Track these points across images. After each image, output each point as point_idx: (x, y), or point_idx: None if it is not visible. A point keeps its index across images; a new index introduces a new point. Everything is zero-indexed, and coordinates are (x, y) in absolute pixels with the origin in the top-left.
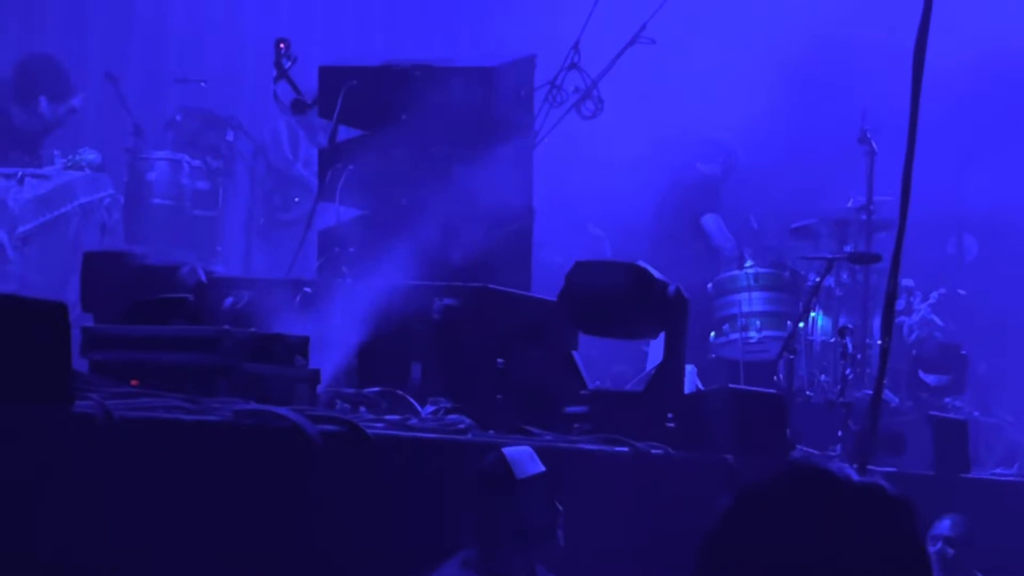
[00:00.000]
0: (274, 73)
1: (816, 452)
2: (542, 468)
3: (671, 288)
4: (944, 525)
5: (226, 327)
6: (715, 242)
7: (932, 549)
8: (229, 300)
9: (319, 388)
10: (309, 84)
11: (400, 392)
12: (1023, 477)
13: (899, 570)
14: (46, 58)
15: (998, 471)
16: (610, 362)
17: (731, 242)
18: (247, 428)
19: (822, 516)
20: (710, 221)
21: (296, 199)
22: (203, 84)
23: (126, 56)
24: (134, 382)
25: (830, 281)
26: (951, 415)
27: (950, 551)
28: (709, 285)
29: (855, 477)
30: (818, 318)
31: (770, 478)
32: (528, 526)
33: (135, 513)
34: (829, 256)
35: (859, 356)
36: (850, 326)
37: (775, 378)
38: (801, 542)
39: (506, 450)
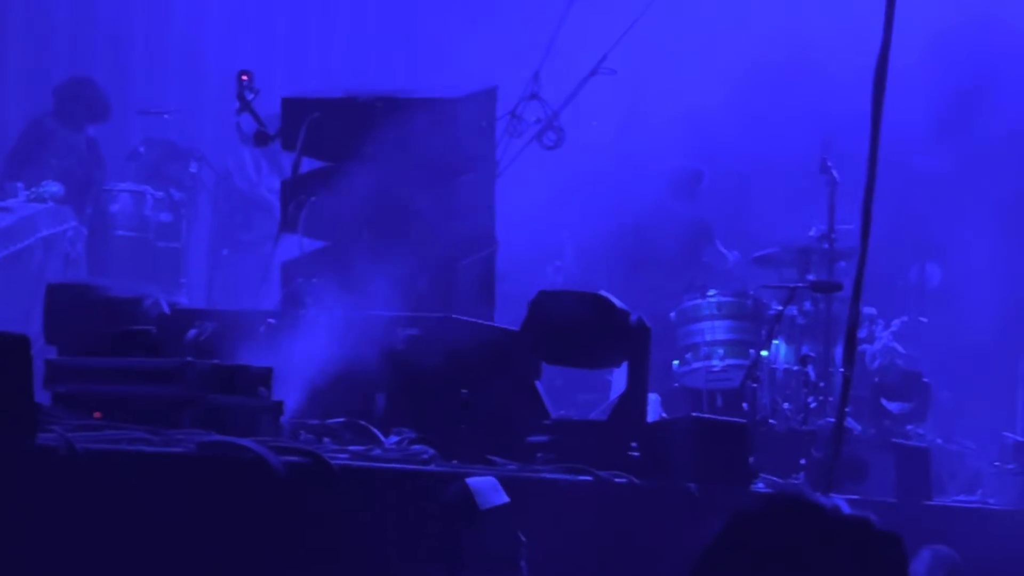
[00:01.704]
0: (237, 105)
1: (779, 480)
2: (506, 499)
3: (633, 317)
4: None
5: (189, 359)
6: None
7: None
8: (192, 332)
9: (283, 419)
10: (272, 114)
11: (363, 423)
12: (985, 504)
13: None
14: None
15: (960, 498)
16: (574, 391)
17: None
18: (210, 460)
19: (811, 548)
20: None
21: (257, 221)
22: (166, 116)
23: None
24: (97, 414)
25: (792, 310)
26: (913, 442)
27: None
28: (672, 314)
29: (845, 509)
30: (781, 346)
31: (760, 508)
32: (491, 557)
33: (98, 546)
34: (791, 285)
35: (822, 384)
36: (812, 354)
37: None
38: (790, 574)
39: (470, 480)
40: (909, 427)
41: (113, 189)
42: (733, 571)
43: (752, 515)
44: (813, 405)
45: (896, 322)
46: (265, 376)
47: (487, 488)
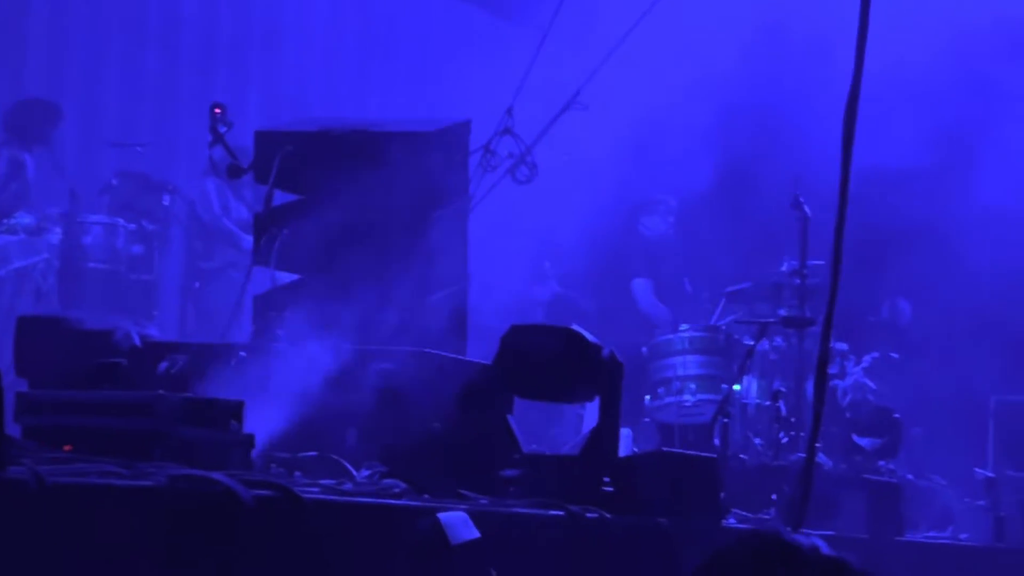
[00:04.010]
0: (210, 138)
1: (750, 515)
2: (477, 534)
3: (605, 351)
4: None
5: (160, 392)
6: (641, 308)
7: None
8: (164, 364)
9: (254, 453)
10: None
11: (335, 456)
12: (956, 540)
13: None
14: None
15: (931, 534)
16: (546, 425)
17: (659, 309)
18: (181, 493)
19: None
20: (639, 286)
21: (219, 250)
22: (139, 149)
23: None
24: (68, 447)
25: (764, 345)
26: (885, 478)
27: None
28: (644, 348)
29: (824, 550)
30: (752, 382)
31: (738, 547)
32: None
33: None
34: (763, 320)
35: (793, 420)
36: (784, 390)
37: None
38: None
39: (441, 515)
40: (880, 463)
41: (86, 221)
42: None
43: (730, 554)
44: (784, 440)
45: (867, 358)
46: (236, 409)
47: (458, 523)
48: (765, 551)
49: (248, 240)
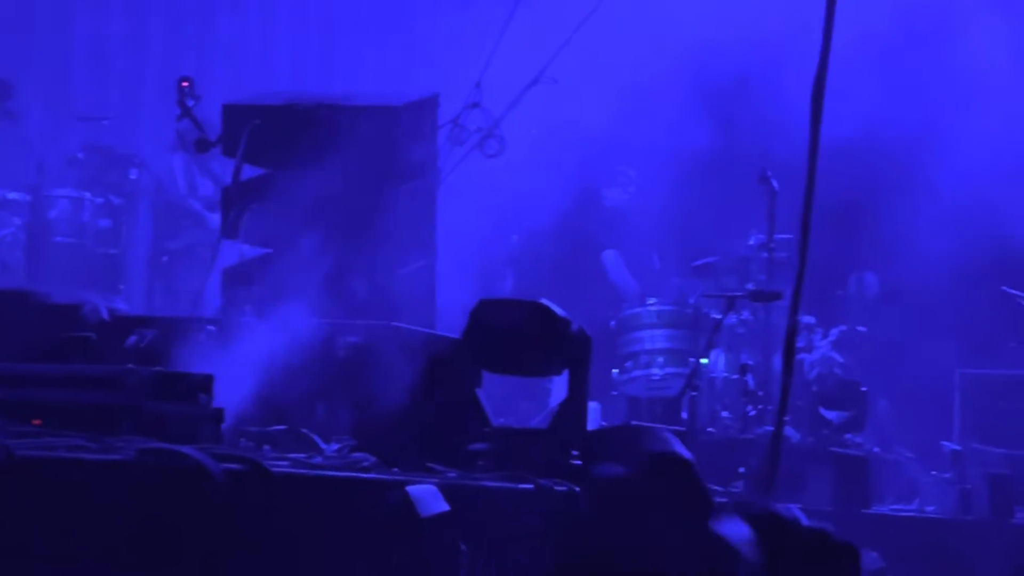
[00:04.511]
0: (177, 111)
1: (719, 489)
2: (446, 507)
3: (574, 326)
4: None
5: (129, 365)
6: (613, 280)
7: None
8: (132, 338)
9: (223, 426)
10: (213, 121)
11: (304, 430)
12: (922, 512)
13: None
14: None
15: (897, 507)
16: (513, 399)
17: (629, 281)
18: (150, 467)
19: (771, 558)
20: (610, 258)
21: (184, 229)
22: (106, 122)
23: (28, 93)
24: (36, 421)
25: (732, 318)
26: (851, 451)
27: None
28: (612, 322)
29: (804, 521)
30: (720, 355)
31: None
32: (430, 565)
33: (36, 553)
34: (731, 294)
35: (760, 393)
36: (751, 363)
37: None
38: None
39: (410, 488)
40: (847, 436)
41: (52, 195)
42: None
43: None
44: (752, 414)
45: (834, 331)
46: (205, 383)
47: (427, 496)
48: (750, 524)
49: (214, 218)
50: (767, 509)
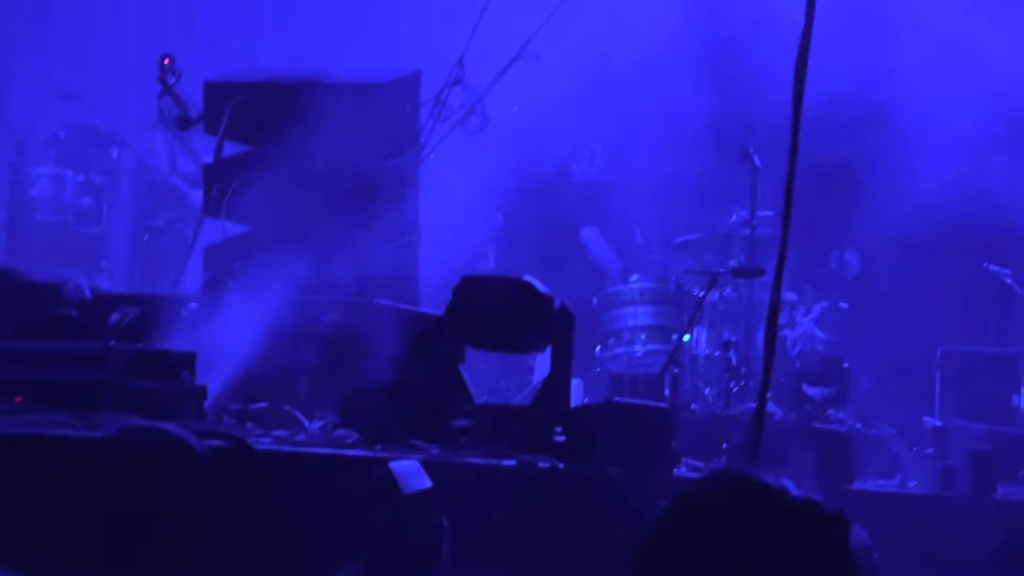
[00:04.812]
0: (159, 88)
1: (701, 465)
2: (429, 483)
3: (557, 302)
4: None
5: (112, 343)
6: (593, 256)
7: None
8: (115, 316)
9: (206, 404)
10: (197, 100)
11: (287, 408)
12: (904, 488)
13: None
14: None
15: (880, 483)
16: (496, 376)
17: (611, 257)
18: (133, 444)
19: (759, 527)
20: (588, 235)
21: (164, 207)
22: (87, 100)
23: (8, 72)
24: (19, 398)
25: (714, 295)
26: (833, 427)
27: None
28: (595, 299)
29: (792, 490)
30: (702, 332)
31: (706, 487)
32: (413, 541)
33: (20, 529)
34: (713, 271)
35: (743, 369)
36: (734, 340)
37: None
38: (737, 552)
39: (393, 465)
40: (829, 412)
41: (33, 174)
42: (679, 551)
43: (697, 497)
44: (735, 390)
45: (817, 308)
46: (188, 360)
47: (410, 472)
48: (734, 493)
49: (196, 195)
50: (753, 477)
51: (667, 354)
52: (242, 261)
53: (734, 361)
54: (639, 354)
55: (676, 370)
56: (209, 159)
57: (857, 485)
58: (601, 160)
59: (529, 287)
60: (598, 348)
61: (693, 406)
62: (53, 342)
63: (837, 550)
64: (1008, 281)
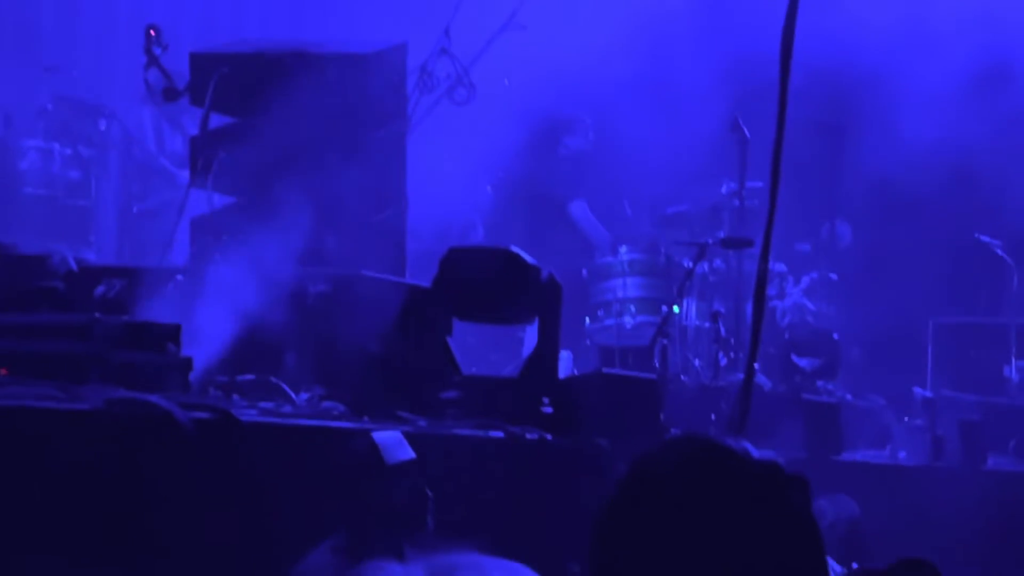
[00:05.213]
0: (144, 60)
1: None
2: (412, 454)
3: (544, 273)
4: (835, 505)
5: (96, 315)
6: (583, 230)
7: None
8: (100, 288)
9: (192, 376)
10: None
11: (274, 379)
12: (894, 459)
13: (792, 546)
14: None
15: (869, 453)
16: (486, 349)
17: (600, 230)
18: (118, 416)
19: (718, 490)
20: (577, 209)
21: (155, 189)
22: (75, 73)
23: None
24: (3, 371)
25: (703, 267)
26: (823, 398)
27: (841, 530)
28: (584, 271)
29: (753, 453)
30: (692, 303)
31: (666, 450)
32: (397, 512)
33: (4, 502)
34: (702, 242)
35: (732, 341)
36: (723, 311)
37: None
38: (697, 516)
39: (376, 435)
40: (819, 383)
41: (21, 146)
42: (638, 516)
43: (658, 460)
44: (723, 361)
45: (806, 279)
46: (173, 332)
47: (393, 443)
48: (696, 455)
49: (184, 175)
50: (712, 440)
51: (656, 326)
52: (229, 233)
53: (723, 332)
54: (628, 326)
55: (665, 341)
56: (195, 133)
57: (847, 456)
58: (594, 133)
59: (516, 258)
60: (587, 320)
61: (682, 377)
62: (38, 314)
63: (797, 512)
64: (999, 252)
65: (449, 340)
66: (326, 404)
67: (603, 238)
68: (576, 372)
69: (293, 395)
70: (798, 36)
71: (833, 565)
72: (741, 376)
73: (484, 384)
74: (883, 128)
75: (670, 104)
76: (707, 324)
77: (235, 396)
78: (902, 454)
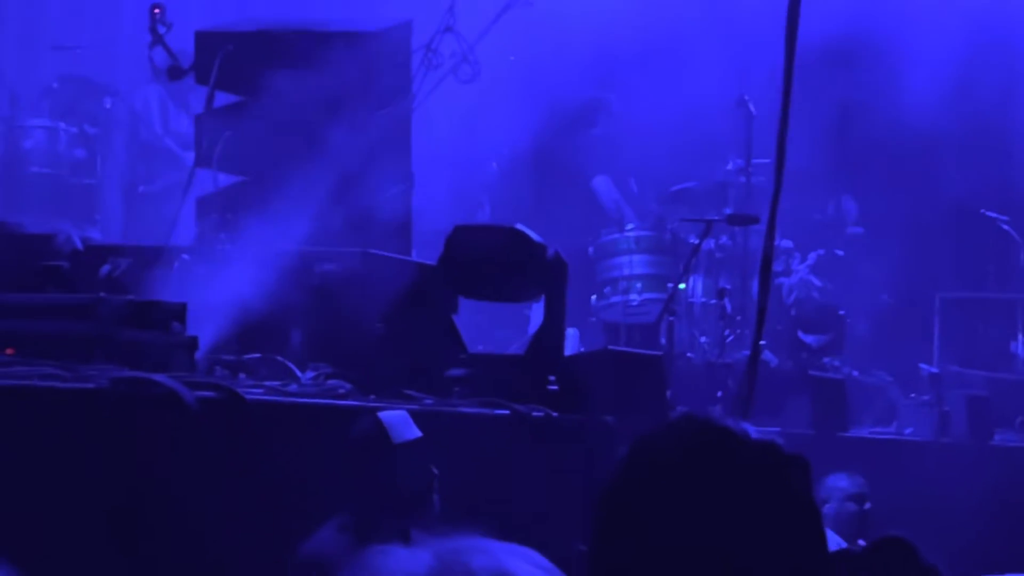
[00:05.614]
0: (149, 39)
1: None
2: (418, 433)
3: (550, 251)
4: (842, 482)
5: (102, 294)
6: (603, 204)
7: (830, 506)
8: (106, 267)
9: (198, 354)
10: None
11: (280, 358)
12: (900, 435)
13: (792, 526)
14: None
15: (876, 430)
16: (493, 327)
17: (622, 205)
18: (124, 395)
19: (717, 470)
20: (601, 183)
21: (160, 171)
22: (81, 51)
23: (1, 23)
24: (9, 350)
25: (710, 243)
26: (830, 375)
27: (851, 506)
28: (590, 248)
29: (752, 433)
30: (698, 280)
31: (666, 431)
32: (403, 490)
33: (10, 481)
34: (709, 218)
35: (738, 317)
36: (729, 288)
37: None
38: (696, 497)
39: (382, 414)
40: (825, 359)
41: (27, 125)
42: (636, 498)
43: (658, 440)
44: (730, 338)
45: (812, 255)
46: (179, 311)
47: (399, 422)
48: (694, 436)
49: (189, 157)
50: (711, 420)
51: (663, 302)
52: (234, 212)
53: (729, 309)
54: (635, 303)
55: (672, 318)
56: (200, 112)
57: (853, 432)
58: (606, 111)
59: (522, 235)
60: (594, 297)
61: (689, 354)
62: (43, 293)
63: (796, 492)
64: (1005, 227)
65: (455, 318)
66: (332, 383)
67: (625, 214)
68: (582, 349)
69: (299, 373)
70: (804, 10)
71: (839, 542)
72: (747, 353)
73: (490, 362)
74: (890, 103)
75: (676, 81)
76: (713, 301)
77: (241, 375)
78: (908, 430)
